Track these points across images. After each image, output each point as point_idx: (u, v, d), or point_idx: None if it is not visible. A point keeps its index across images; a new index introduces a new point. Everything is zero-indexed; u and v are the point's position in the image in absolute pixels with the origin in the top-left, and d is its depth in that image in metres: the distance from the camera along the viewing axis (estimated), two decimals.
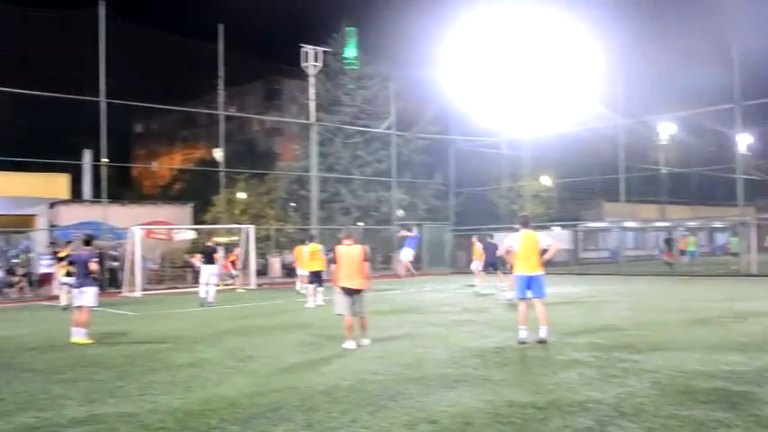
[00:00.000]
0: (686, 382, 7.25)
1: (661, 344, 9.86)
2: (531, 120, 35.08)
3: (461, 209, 39.49)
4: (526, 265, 10.48)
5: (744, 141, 33.79)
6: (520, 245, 10.61)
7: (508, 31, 33.69)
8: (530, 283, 10.43)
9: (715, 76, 28.85)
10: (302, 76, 35.27)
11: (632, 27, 31.78)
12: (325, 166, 37.21)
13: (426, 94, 39.32)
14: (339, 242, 10.92)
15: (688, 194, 51.77)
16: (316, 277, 18.14)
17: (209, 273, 19.18)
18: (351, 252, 10.54)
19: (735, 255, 30.87)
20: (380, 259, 37.37)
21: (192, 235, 31.59)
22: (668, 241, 38.09)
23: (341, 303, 10.56)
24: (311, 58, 32.84)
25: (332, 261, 10.86)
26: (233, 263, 26.76)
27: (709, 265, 32.82)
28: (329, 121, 36.95)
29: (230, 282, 26.16)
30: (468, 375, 7.96)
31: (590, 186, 44.35)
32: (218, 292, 19.74)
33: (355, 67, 41.22)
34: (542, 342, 10.06)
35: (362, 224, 36.98)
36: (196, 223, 34.80)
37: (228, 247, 28.38)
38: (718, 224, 49.55)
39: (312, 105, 33.71)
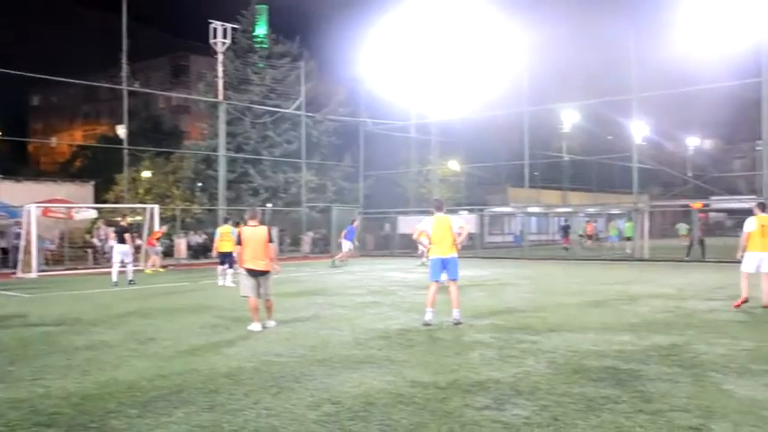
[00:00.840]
0: (580, 362, 7.58)
1: (558, 325, 10.24)
2: (440, 104, 35.56)
3: (370, 191, 39.70)
4: (440, 248, 10.58)
5: (639, 132, 35.35)
6: (433, 228, 10.65)
7: (419, 15, 33.95)
8: (445, 265, 10.57)
9: (615, 68, 30.00)
10: (210, 52, 34.48)
11: (538, 17, 32.55)
12: (233, 146, 36.61)
13: (337, 75, 39.23)
14: (245, 223, 10.82)
15: (588, 181, 53.81)
16: (225, 258, 18.13)
17: (121, 252, 18.98)
18: (255, 233, 10.43)
19: (629, 239, 32.31)
20: (289, 241, 37.18)
21: (92, 214, 30.47)
22: (565, 228, 39.58)
23: (246, 285, 10.47)
24: (219, 34, 32.16)
25: (237, 242, 10.69)
26: (158, 239, 25.97)
27: (606, 250, 34.29)
28: (238, 100, 36.32)
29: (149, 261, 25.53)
30: (373, 357, 8.06)
31: (496, 172, 45.39)
32: (122, 273, 19.17)
33: (265, 46, 40.63)
34: (458, 324, 10.29)
35: (271, 205, 36.63)
36: (98, 202, 33.61)
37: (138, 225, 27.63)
38: (615, 211, 51.72)
39: (220, 83, 33.04)
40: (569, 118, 47.63)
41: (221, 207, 32.71)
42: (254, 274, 10.36)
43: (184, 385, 6.71)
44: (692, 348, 8.23)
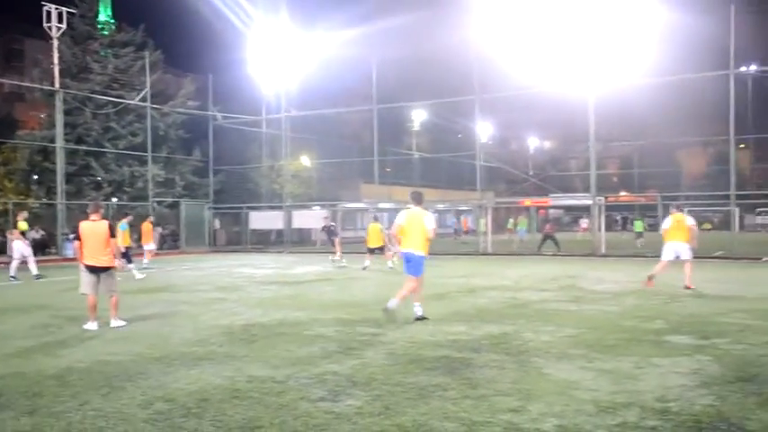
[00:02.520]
0: (417, 352, 7.86)
1: (400, 318, 10.53)
2: (291, 99, 35.50)
3: (221, 186, 38.96)
4: (408, 242, 10.33)
5: (483, 131, 36.99)
6: (407, 221, 10.38)
7: (272, 6, 33.71)
8: (408, 260, 10.38)
9: (460, 69, 31.18)
10: (46, 37, 32.43)
11: (386, 15, 33.26)
12: (73, 137, 34.67)
13: (185, 66, 38.13)
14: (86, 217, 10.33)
15: (438, 178, 55.52)
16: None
17: None
18: (96, 228, 10.02)
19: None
20: (135, 237, 35.67)
21: None
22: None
23: (84, 282, 10.04)
24: (55, 18, 30.31)
25: (76, 237, 10.22)
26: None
27: (453, 245, 35.57)
28: (77, 89, 34.40)
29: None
30: (213, 353, 7.95)
31: (348, 168, 45.83)
32: None
33: (106, 33, 38.76)
34: (421, 319, 10.08)
35: (116, 200, 35.06)
36: None
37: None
38: (463, 207, 53.76)
39: (56, 70, 31.16)
40: (419, 116, 48.96)
41: (60, 201, 30.91)
42: (94, 270, 9.94)
43: (5, 389, 6.32)
44: (520, 336, 8.74)
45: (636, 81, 29.55)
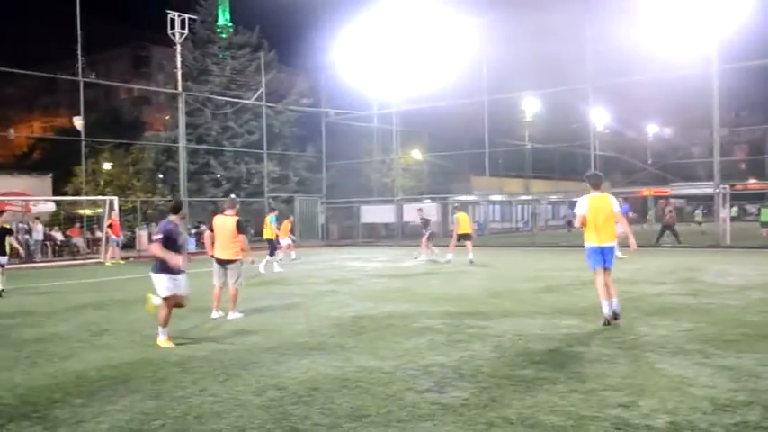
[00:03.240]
0: (525, 345, 7.77)
1: (509, 311, 10.46)
2: (402, 94, 35.65)
3: (333, 182, 39.74)
4: (598, 235, 8.95)
5: (599, 120, 35.88)
6: (589, 210, 9.01)
7: (379, 4, 33.96)
8: (602, 253, 8.99)
9: (572, 56, 30.34)
10: (170, 43, 34.11)
11: (497, 5, 32.76)
12: (194, 137, 36.33)
13: (298, 65, 39.12)
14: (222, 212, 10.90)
15: (551, 169, 54.38)
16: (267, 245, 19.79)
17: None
18: (225, 222, 10.51)
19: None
20: (252, 232, 37.04)
21: (51, 207, 30.07)
22: (533, 216, 40.94)
23: (214, 273, 10.55)
24: (178, 25, 31.80)
25: (209, 229, 10.81)
26: (111, 227, 25.75)
27: (566, 237, 34.79)
28: (198, 91, 36.02)
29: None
30: (324, 344, 8.17)
31: (459, 161, 45.66)
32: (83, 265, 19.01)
33: (224, 36, 40.31)
34: (616, 319, 8.88)
35: (233, 196, 36.46)
36: (56, 195, 33.14)
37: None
38: (576, 198, 52.44)
39: (179, 74, 32.73)
40: (531, 106, 48.09)
41: (183, 198, 32.47)
42: (220, 263, 10.43)
43: (133, 374, 6.76)
44: (634, 330, 8.47)
45: (760, 62, 27.81)
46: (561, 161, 55.12)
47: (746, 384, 5.84)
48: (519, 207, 52.80)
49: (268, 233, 20.10)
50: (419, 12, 32.89)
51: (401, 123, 37.60)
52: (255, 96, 36.19)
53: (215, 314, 10.34)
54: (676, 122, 61.15)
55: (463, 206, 30.23)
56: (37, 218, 27.85)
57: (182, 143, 32.77)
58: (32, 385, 6.44)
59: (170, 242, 8.28)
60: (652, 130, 64.47)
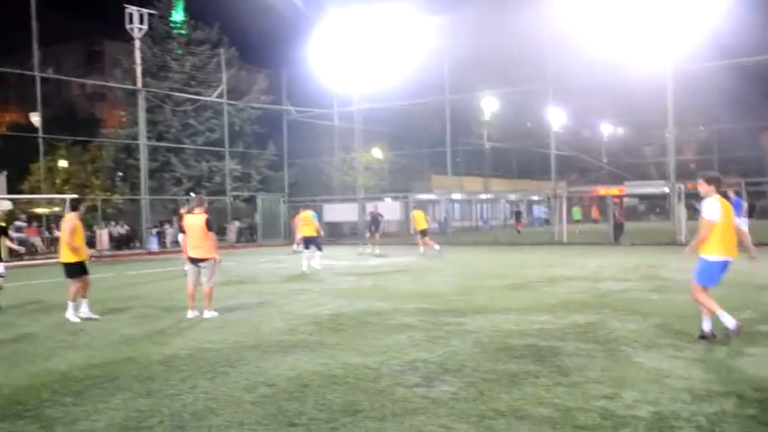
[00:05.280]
0: (503, 341, 7.97)
1: (483, 307, 10.66)
2: (363, 92, 35.76)
3: (295, 180, 39.68)
4: (728, 246, 7.60)
5: (556, 119, 36.51)
6: (721, 216, 7.54)
7: (340, 2, 34.02)
8: (725, 269, 7.71)
9: (531, 56, 30.81)
10: (126, 38, 33.67)
11: (457, 5, 33.12)
12: (154, 135, 35.90)
13: (259, 63, 38.92)
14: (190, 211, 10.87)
15: (509, 168, 55.15)
16: (309, 242, 18.65)
17: None
18: (195, 221, 10.52)
19: (577, 222, 33.29)
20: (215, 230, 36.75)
21: (7, 205, 29.38)
22: (518, 213, 41.99)
23: (188, 273, 10.60)
24: (136, 19, 31.42)
25: (181, 230, 10.80)
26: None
27: (527, 236, 35.33)
28: (157, 88, 35.60)
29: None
30: (304, 341, 8.26)
31: (420, 159, 46.02)
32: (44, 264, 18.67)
33: (183, 32, 39.89)
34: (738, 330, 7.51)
35: (202, 194, 36.14)
36: (11, 193, 32.43)
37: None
38: (535, 197, 53.27)
39: (138, 70, 32.32)
40: (489, 106, 48.67)
41: (143, 197, 32.12)
42: (193, 261, 10.42)
43: (119, 373, 6.77)
44: (606, 326, 8.75)
45: (712, 63, 28.68)
46: (519, 160, 55.94)
47: (720, 375, 6.13)
48: (478, 206, 53.37)
49: (311, 230, 18.79)
50: (380, 10, 33.02)
51: (362, 121, 37.71)
52: (216, 93, 35.93)
53: (191, 314, 10.33)
54: (630, 123, 62.50)
55: (420, 204, 30.93)
56: None
57: (142, 140, 32.39)
58: (18, 385, 6.41)
59: None
60: (606, 129, 65.76)
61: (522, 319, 9.38)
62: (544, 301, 11.15)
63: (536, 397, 5.58)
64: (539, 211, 56.71)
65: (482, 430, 4.84)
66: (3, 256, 12.44)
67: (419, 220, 24.27)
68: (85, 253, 10.74)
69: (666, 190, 28.80)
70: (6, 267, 12.04)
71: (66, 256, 10.57)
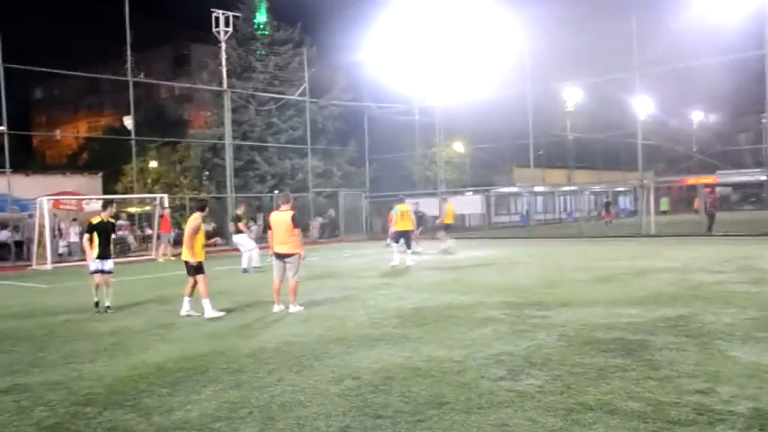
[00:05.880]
0: (590, 334, 7.81)
1: (568, 300, 10.47)
2: (443, 86, 35.61)
3: (376, 175, 39.90)
4: None
5: (643, 108, 35.38)
6: None
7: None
8: None
9: (617, 44, 29.95)
10: (211, 41, 34.60)
11: None
12: (238, 134, 36.78)
13: (339, 61, 39.27)
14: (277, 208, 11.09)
15: (593, 160, 53.83)
16: (401, 236, 18.72)
17: None
18: (281, 217, 10.70)
19: (664, 213, 32.35)
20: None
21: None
22: (607, 204, 41.08)
23: (274, 268, 10.79)
24: (222, 23, 32.24)
25: (267, 226, 11.00)
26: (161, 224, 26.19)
27: (613, 228, 34.45)
28: (241, 88, 36.46)
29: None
30: (388, 335, 8.30)
31: (501, 152, 45.47)
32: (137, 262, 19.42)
33: (266, 33, 40.67)
34: None
35: (278, 192, 36.88)
36: (107, 193, 33.88)
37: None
38: (620, 188, 51.86)
39: (224, 72, 33.18)
40: (573, 96, 47.64)
41: (229, 195, 32.99)
42: (279, 257, 10.63)
43: (209, 366, 6.98)
44: (698, 319, 8.45)
45: None
46: (604, 151, 54.53)
47: None
48: (562, 198, 52.40)
49: (408, 224, 18.74)
50: (461, 2, 32.77)
51: (443, 116, 37.57)
52: (299, 92, 36.52)
53: (276, 308, 10.56)
54: (722, 109, 60.04)
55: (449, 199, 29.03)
56: (74, 219, 28.07)
57: (228, 140, 33.24)
58: (117, 376, 6.70)
59: None
60: (697, 117, 63.35)
61: (609, 313, 9.16)
62: (632, 294, 10.86)
63: (625, 391, 5.44)
64: (624, 202, 55.21)
65: (570, 424, 4.76)
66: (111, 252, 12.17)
67: (450, 214, 23.66)
68: (202, 253, 10.83)
69: (763, 178, 27.50)
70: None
71: (190, 254, 10.64)
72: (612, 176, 50.62)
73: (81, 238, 11.79)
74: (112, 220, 12.14)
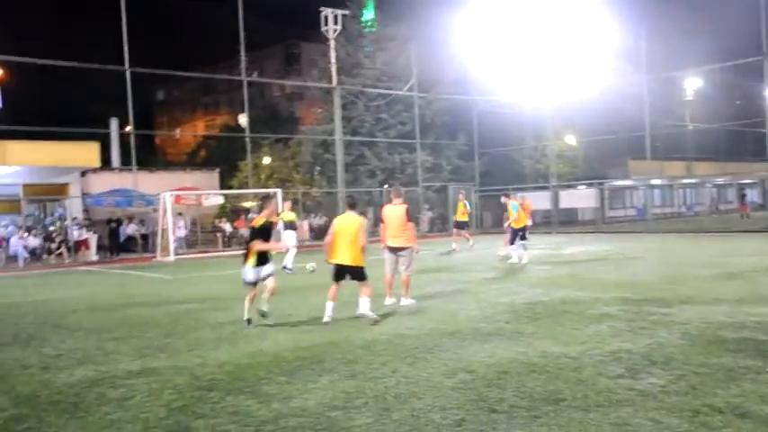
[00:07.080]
0: (715, 333, 7.44)
1: (690, 297, 10.02)
2: (553, 78, 34.77)
3: (486, 169, 39.53)
4: None
5: None
6: None
7: None
8: None
9: (741, 27, 28.30)
10: (320, 39, 35.21)
11: None
12: (348, 130, 37.29)
13: (446, 55, 39.06)
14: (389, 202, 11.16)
15: (715, 150, 51.23)
16: (518, 231, 17.46)
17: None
18: (395, 211, 10.73)
19: None
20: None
21: (220, 200, 32.03)
22: (743, 196, 39.42)
23: (385, 261, 10.81)
24: (331, 21, 32.77)
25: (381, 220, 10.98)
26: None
27: (736, 222, 32.70)
28: (351, 85, 36.90)
29: None
30: (501, 329, 8.21)
31: (615, 144, 43.97)
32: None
33: (374, 29, 40.98)
34: None
35: (387, 186, 37.18)
36: (223, 188, 35.26)
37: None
38: (746, 180, 49.10)
39: (334, 69, 33.72)
40: (692, 84, 45.51)
41: (340, 189, 33.54)
42: (392, 250, 10.70)
43: (324, 356, 7.12)
44: None
45: None
46: (726, 141, 51.81)
47: None
48: (681, 191, 50.14)
49: (525, 220, 17.92)
50: None
51: (553, 108, 36.73)
52: (407, 87, 36.62)
53: (388, 300, 10.63)
54: None
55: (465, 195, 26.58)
56: (180, 213, 29.02)
57: (338, 136, 33.80)
58: (237, 363, 6.95)
59: None
60: None
61: (736, 311, 8.70)
62: (762, 292, 10.27)
63: (758, 394, 5.14)
64: (751, 195, 52.22)
65: (696, 426, 4.55)
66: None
67: (522, 216, 21.03)
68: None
69: None
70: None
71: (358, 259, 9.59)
72: (737, 168, 47.95)
73: (247, 244, 9.36)
74: (272, 220, 9.80)
